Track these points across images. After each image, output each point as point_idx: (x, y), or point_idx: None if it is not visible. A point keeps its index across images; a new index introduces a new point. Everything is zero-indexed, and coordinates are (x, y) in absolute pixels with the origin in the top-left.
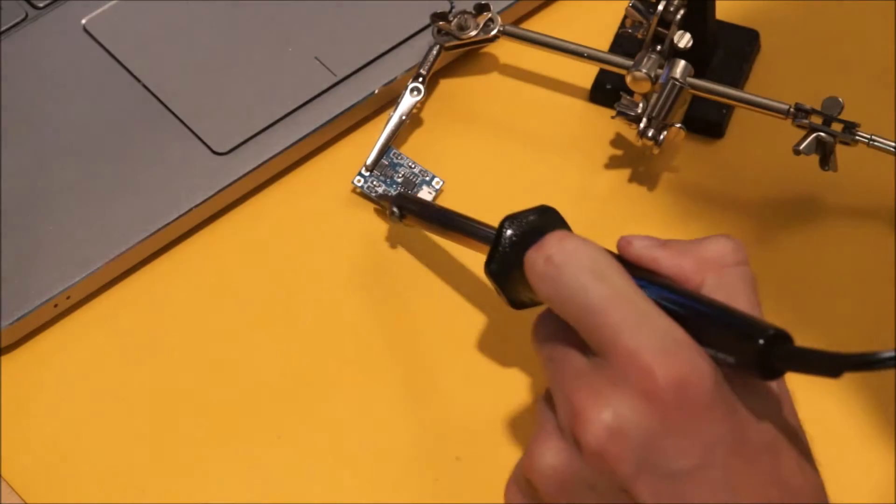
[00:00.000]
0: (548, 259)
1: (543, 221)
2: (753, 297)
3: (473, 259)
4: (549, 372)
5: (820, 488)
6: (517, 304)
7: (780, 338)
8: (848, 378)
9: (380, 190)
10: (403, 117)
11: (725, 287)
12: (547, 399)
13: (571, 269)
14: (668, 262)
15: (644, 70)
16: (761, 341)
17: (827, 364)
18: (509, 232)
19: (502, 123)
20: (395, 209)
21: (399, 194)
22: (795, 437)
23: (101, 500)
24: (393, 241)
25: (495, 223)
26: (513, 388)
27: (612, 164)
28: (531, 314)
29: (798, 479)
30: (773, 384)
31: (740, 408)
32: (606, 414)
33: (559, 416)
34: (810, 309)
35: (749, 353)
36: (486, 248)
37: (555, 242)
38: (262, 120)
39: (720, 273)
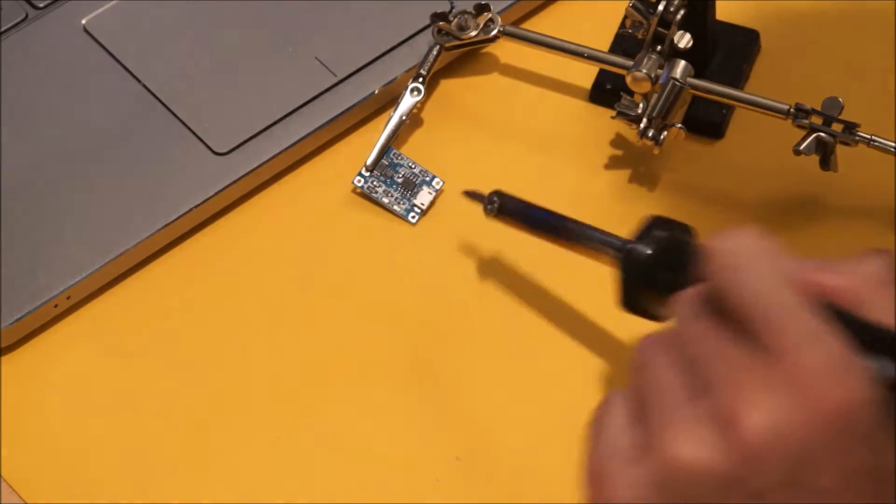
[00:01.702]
0: (733, 253)
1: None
2: None
3: (471, 257)
4: (703, 352)
5: None
6: (647, 314)
7: None
8: None
9: (380, 190)
10: (403, 117)
11: (887, 306)
12: (663, 388)
13: (755, 268)
14: (827, 283)
15: (644, 70)
16: None
17: None
18: (662, 234)
19: (502, 123)
20: (494, 198)
21: (498, 191)
22: None
23: (101, 500)
24: (393, 241)
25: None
26: (513, 387)
27: (612, 164)
28: (524, 311)
29: None
30: None
31: (884, 438)
32: (771, 416)
33: (713, 395)
34: None
35: None
36: (601, 256)
37: (744, 238)
38: (262, 120)
39: (880, 292)
